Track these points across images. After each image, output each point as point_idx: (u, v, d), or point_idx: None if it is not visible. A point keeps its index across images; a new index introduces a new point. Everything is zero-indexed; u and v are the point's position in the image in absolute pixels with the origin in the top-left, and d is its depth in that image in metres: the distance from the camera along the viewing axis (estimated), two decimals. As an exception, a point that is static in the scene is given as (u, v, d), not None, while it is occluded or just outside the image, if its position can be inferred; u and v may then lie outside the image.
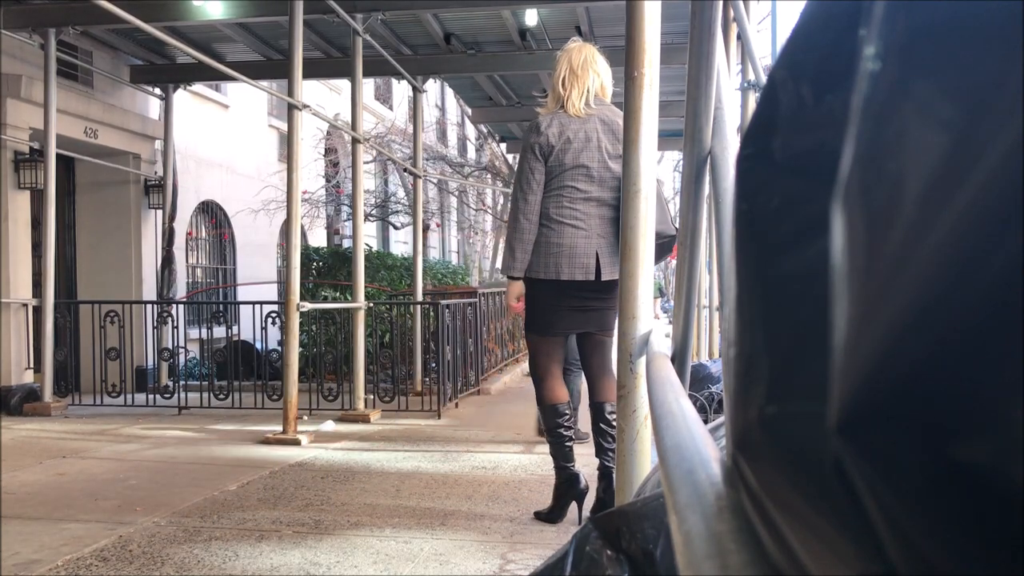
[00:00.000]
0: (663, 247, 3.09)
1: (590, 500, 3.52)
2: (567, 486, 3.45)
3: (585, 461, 3.78)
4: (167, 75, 9.00)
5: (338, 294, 8.94)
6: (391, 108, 16.31)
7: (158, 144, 9.19)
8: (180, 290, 9.69)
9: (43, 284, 6.86)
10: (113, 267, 8.92)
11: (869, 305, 0.24)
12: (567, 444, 3.42)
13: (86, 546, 3.22)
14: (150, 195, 9.13)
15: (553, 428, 3.41)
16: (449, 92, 16.24)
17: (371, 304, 7.22)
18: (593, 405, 3.41)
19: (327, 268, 9.78)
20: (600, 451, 3.37)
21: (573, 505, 3.52)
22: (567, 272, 3.24)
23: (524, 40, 8.01)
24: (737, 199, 0.36)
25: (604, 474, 3.34)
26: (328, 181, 14.03)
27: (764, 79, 1.94)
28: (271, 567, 3.00)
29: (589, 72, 3.29)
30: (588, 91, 3.28)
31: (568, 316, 3.35)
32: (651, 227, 1.70)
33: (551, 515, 3.52)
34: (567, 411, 3.43)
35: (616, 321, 3.66)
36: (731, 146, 1.23)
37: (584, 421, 4.22)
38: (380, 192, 15.16)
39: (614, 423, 3.14)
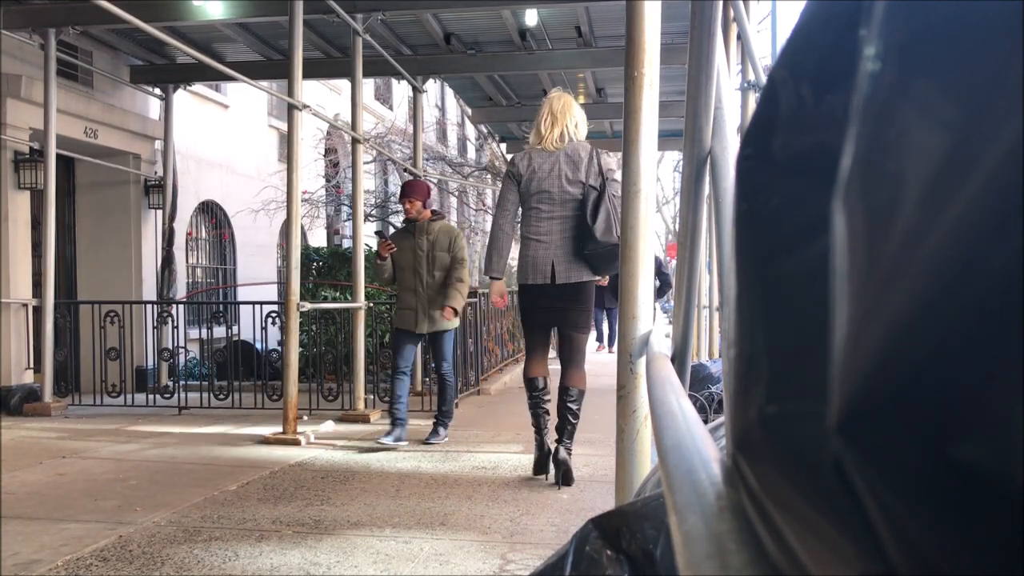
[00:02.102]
0: (608, 256, 3.91)
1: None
2: (537, 449, 4.31)
3: (586, 460, 3.83)
4: (167, 75, 9.00)
5: (338, 294, 8.93)
6: (391, 108, 16.31)
7: (158, 144, 9.19)
8: (180, 290, 9.69)
9: (43, 284, 6.86)
10: (113, 267, 8.92)
11: (869, 305, 0.24)
12: (538, 411, 4.23)
13: (86, 546, 3.22)
14: (150, 195, 9.13)
15: (529, 397, 4.26)
16: (449, 92, 16.24)
17: (371, 304, 7.22)
18: (560, 388, 4.16)
19: (327, 268, 9.78)
20: (559, 431, 4.12)
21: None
22: (532, 278, 4.10)
23: (524, 40, 8.01)
24: (737, 199, 0.36)
25: (555, 459, 4.10)
26: (328, 181, 14.03)
27: (764, 79, 1.95)
28: (271, 567, 3.00)
29: (567, 115, 4.11)
30: (565, 130, 4.09)
31: (540, 313, 4.20)
32: (651, 227, 1.70)
33: (535, 470, 4.32)
34: (542, 385, 4.21)
35: (589, 321, 4.27)
36: (731, 146, 1.23)
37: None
38: (380, 192, 15.15)
39: (571, 406, 3.97)
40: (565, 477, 4.07)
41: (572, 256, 4.02)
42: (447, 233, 5.44)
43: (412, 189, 5.55)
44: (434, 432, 5.47)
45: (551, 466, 4.15)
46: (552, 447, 4.16)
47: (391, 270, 5.41)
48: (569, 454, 4.09)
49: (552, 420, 4.22)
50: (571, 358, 4.18)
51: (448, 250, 5.38)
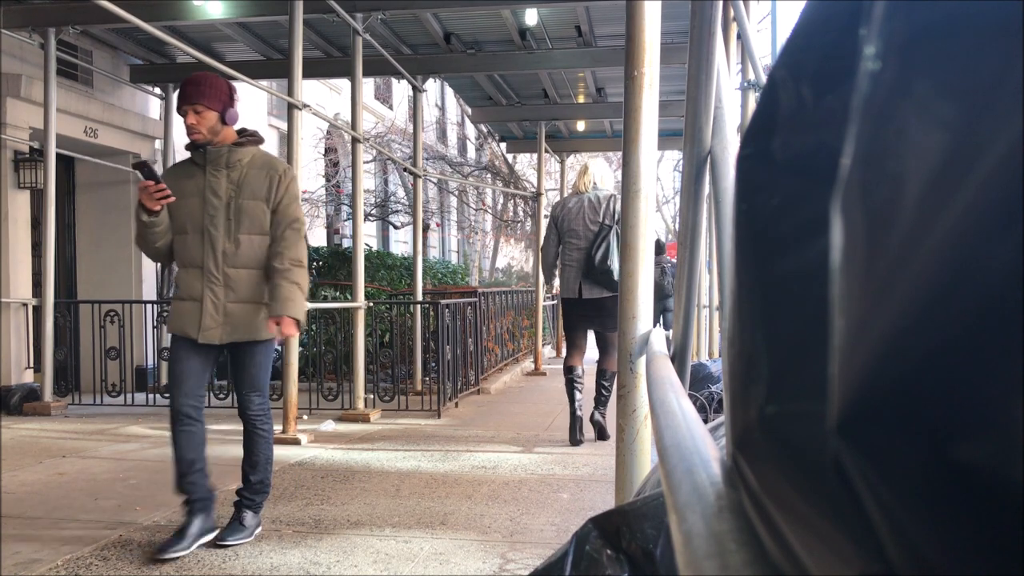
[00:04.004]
0: (605, 278, 5.25)
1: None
2: (572, 417, 5.42)
3: (586, 460, 3.80)
4: (167, 75, 8.99)
5: (338, 294, 8.93)
6: (391, 108, 16.31)
7: (158, 144, 9.19)
8: (180, 290, 9.67)
9: (43, 284, 6.86)
10: (113, 267, 8.92)
11: (869, 304, 0.24)
12: (572, 387, 5.45)
13: (86, 545, 3.22)
14: (150, 195, 9.12)
15: (567, 380, 5.53)
16: (449, 92, 16.24)
17: (371, 304, 7.22)
18: (597, 370, 5.52)
19: (327, 268, 9.77)
20: (596, 402, 5.48)
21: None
22: (567, 293, 5.55)
23: (524, 40, 8.00)
24: (737, 199, 0.36)
25: (593, 421, 5.43)
26: (328, 181, 14.03)
27: (764, 79, 1.94)
28: (271, 567, 3.00)
29: (596, 167, 5.65)
30: (592, 177, 5.58)
31: (575, 318, 5.59)
32: (651, 227, 1.70)
33: (570, 439, 5.35)
34: (579, 373, 5.49)
35: (615, 323, 5.25)
36: (731, 146, 1.23)
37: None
38: (380, 192, 15.16)
39: (605, 383, 5.42)
40: (600, 433, 5.35)
41: (592, 277, 5.36)
42: (267, 169, 3.22)
43: (200, 87, 3.12)
44: (236, 523, 3.28)
45: (580, 435, 5.30)
46: (580, 414, 5.38)
47: (167, 235, 3.20)
48: (603, 418, 5.31)
49: (584, 397, 5.50)
50: (605, 348, 5.48)
51: (267, 199, 3.19)
